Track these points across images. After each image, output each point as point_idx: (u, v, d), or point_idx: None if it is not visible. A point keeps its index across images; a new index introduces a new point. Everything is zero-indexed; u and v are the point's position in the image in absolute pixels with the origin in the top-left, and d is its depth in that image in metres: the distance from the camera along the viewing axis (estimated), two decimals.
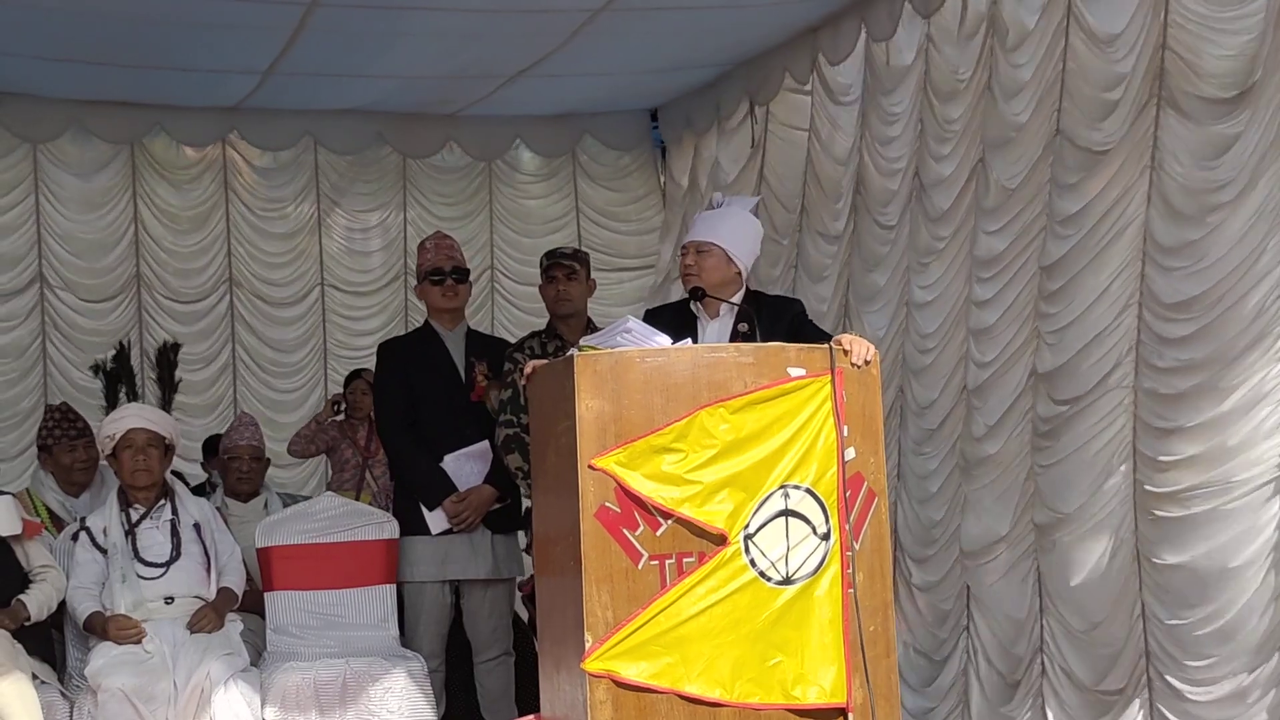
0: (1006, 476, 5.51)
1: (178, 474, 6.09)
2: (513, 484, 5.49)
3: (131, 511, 5.37)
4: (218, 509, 5.74)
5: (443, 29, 6.62)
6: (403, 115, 8.54)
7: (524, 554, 5.87)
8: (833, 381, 4.00)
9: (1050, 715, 5.26)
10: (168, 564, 5.30)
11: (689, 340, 4.31)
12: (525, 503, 5.56)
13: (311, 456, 7.97)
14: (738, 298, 4.63)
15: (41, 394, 8.23)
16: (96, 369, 8.22)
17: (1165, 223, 4.75)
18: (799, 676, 3.94)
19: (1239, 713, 4.46)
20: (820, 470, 3.98)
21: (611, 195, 9.09)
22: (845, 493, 3.98)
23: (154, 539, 5.33)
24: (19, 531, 5.22)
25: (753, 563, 3.93)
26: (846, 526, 3.98)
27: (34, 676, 4.89)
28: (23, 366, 8.29)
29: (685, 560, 3.90)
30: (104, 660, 5.02)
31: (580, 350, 3.96)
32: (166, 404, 8.17)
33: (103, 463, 5.80)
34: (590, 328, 5.39)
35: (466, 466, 5.55)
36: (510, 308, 8.98)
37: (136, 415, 5.52)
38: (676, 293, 4.75)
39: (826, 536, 3.98)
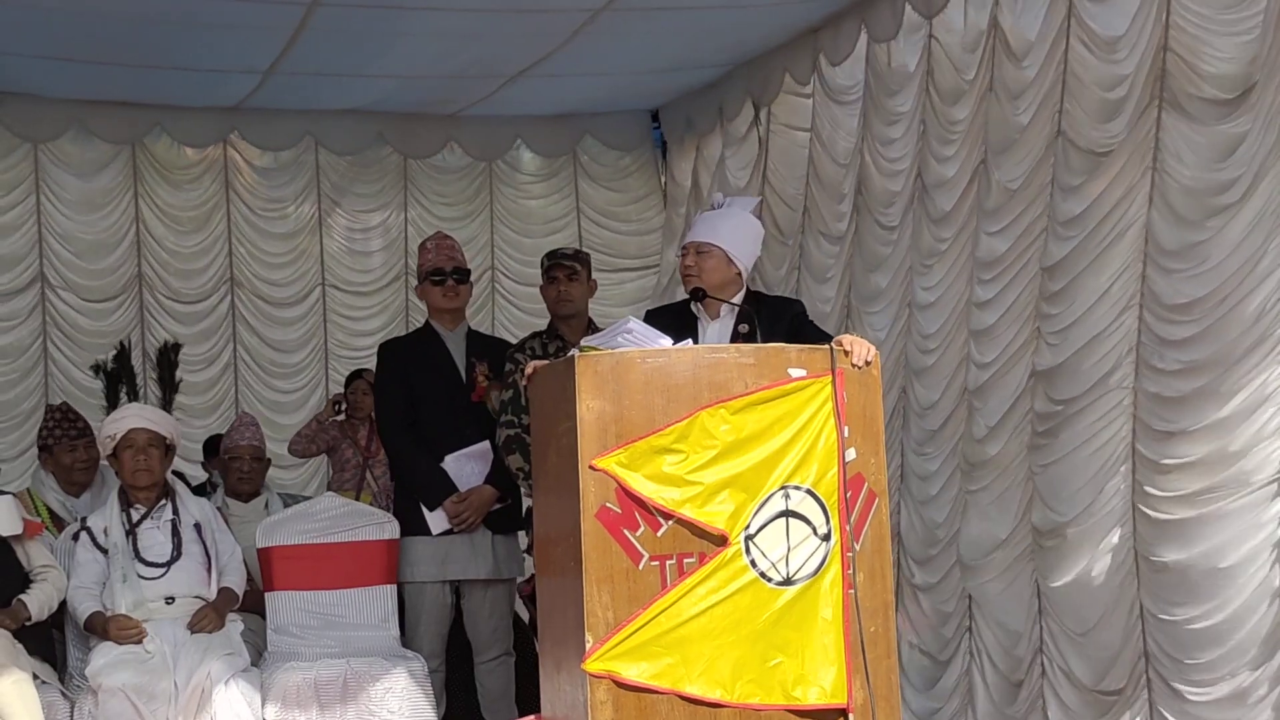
0: (1006, 477, 5.51)
1: (179, 474, 6.10)
2: (513, 484, 5.49)
3: (132, 511, 5.37)
4: (218, 509, 5.74)
5: (443, 29, 6.62)
6: (403, 115, 8.54)
7: (525, 554, 5.88)
8: (833, 382, 4.00)
9: (1051, 716, 5.26)
10: (168, 564, 5.30)
11: (689, 341, 4.31)
12: (526, 503, 5.56)
13: (312, 456, 7.97)
14: (738, 298, 4.63)
15: (42, 394, 8.24)
16: (97, 369, 8.22)
17: (1167, 224, 4.75)
18: (799, 677, 3.94)
19: (1240, 714, 4.46)
20: (821, 471, 3.98)
21: (612, 195, 9.10)
22: (846, 493, 3.98)
23: (155, 539, 5.33)
24: (20, 531, 5.23)
25: (753, 563, 3.93)
26: (847, 527, 3.98)
27: (35, 676, 4.89)
28: (23, 366, 8.30)
29: (686, 561, 3.91)
30: (105, 660, 5.02)
31: (581, 351, 3.96)
32: (167, 404, 8.18)
33: (103, 463, 5.80)
34: (591, 328, 5.39)
35: (467, 467, 5.55)
36: (511, 308, 8.99)
37: (137, 415, 5.52)
38: (681, 293, 4.75)
39: (827, 537, 3.98)
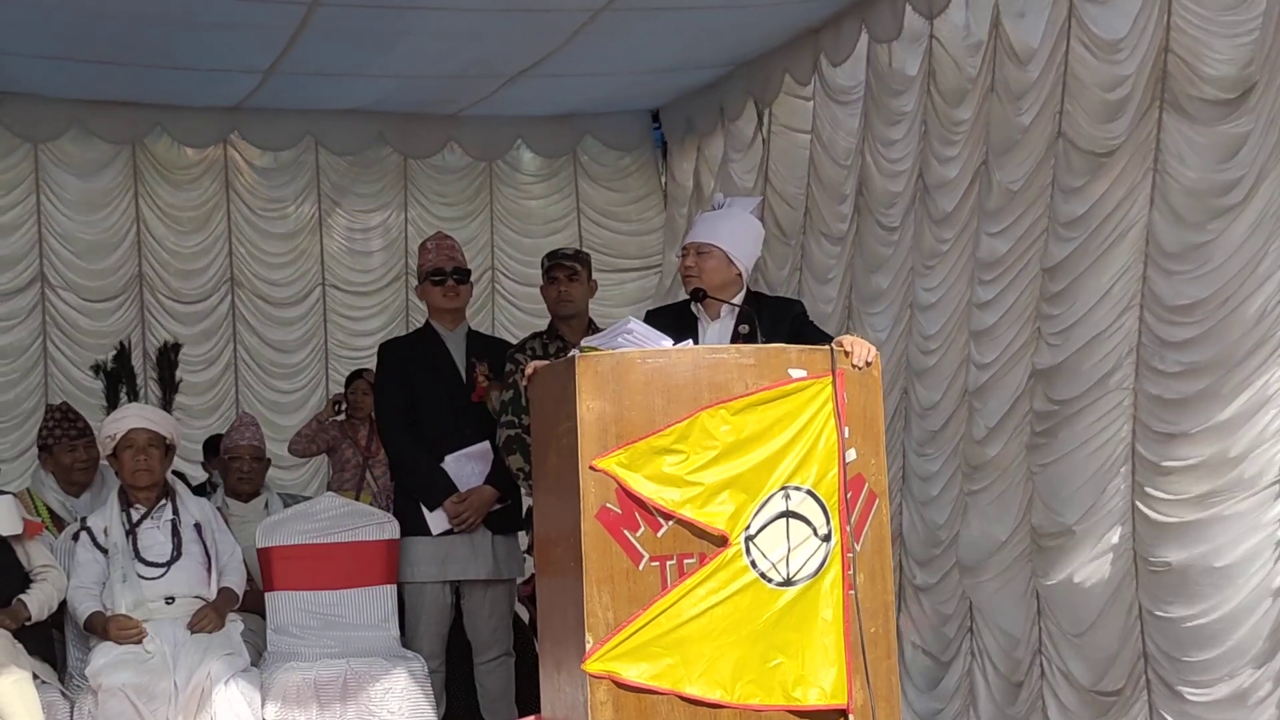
0: (1006, 478, 5.51)
1: (179, 474, 6.10)
2: (513, 484, 5.49)
3: (132, 511, 5.37)
4: (218, 509, 5.74)
5: (444, 29, 6.62)
6: (403, 115, 8.54)
7: (525, 555, 5.88)
8: (834, 383, 4.00)
9: (1051, 717, 5.26)
10: (168, 564, 5.30)
11: (690, 342, 4.31)
12: (526, 503, 5.56)
13: (312, 456, 7.97)
14: (738, 299, 4.63)
15: (42, 394, 8.23)
16: (97, 369, 8.22)
17: (1168, 226, 4.75)
18: (800, 678, 3.94)
19: (1240, 715, 4.46)
20: (821, 472, 3.98)
21: (612, 196, 9.10)
22: (846, 494, 3.98)
23: (155, 539, 5.33)
24: (20, 531, 5.22)
25: (753, 564, 3.93)
26: (847, 528, 3.98)
27: (35, 676, 4.89)
28: (23, 366, 8.30)
29: (686, 561, 3.90)
30: (105, 660, 5.02)
31: (581, 351, 3.96)
32: (167, 404, 8.18)
33: (103, 462, 5.80)
34: (591, 328, 5.39)
35: (467, 467, 5.55)
36: (511, 308, 8.99)
37: (137, 415, 5.52)
38: (683, 293, 4.75)
39: (827, 538, 3.98)
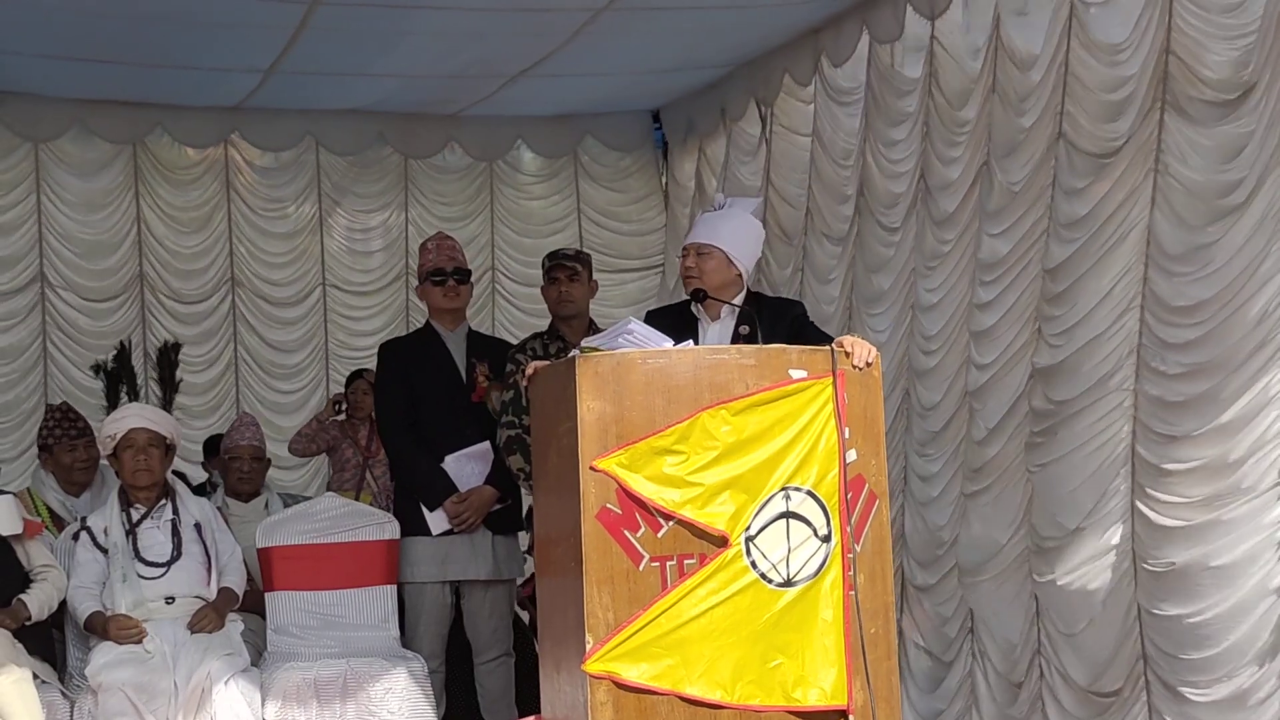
0: (1006, 478, 5.51)
1: (179, 474, 6.09)
2: (513, 485, 5.49)
3: (132, 511, 5.37)
4: (218, 509, 5.74)
5: (444, 28, 6.62)
6: (404, 115, 8.54)
7: (526, 555, 5.87)
8: (834, 384, 4.00)
9: (1050, 718, 5.26)
10: (168, 564, 5.30)
11: (690, 342, 4.31)
12: (527, 503, 5.56)
13: (312, 455, 7.97)
14: (739, 300, 4.63)
15: (42, 394, 8.23)
16: (97, 369, 8.22)
17: (1169, 227, 4.74)
18: (800, 678, 3.94)
19: (1241, 716, 4.45)
20: (821, 472, 3.98)
21: (613, 196, 9.10)
22: (846, 495, 3.98)
23: (155, 539, 5.33)
24: (20, 531, 5.23)
25: (754, 565, 3.93)
26: (848, 529, 3.98)
27: (35, 676, 4.89)
28: (23, 367, 8.29)
29: (686, 562, 3.91)
30: (105, 660, 5.01)
31: (582, 351, 3.96)
32: (167, 404, 8.18)
33: (103, 462, 5.80)
34: (592, 329, 5.39)
35: (467, 467, 5.55)
36: (511, 308, 8.99)
37: (137, 415, 5.52)
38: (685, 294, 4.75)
39: (828, 539, 3.98)
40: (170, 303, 8.55)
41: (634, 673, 3.85)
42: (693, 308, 4.65)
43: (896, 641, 4.22)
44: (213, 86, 7.69)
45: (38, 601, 5.11)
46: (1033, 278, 5.37)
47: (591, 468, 3.87)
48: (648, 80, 7.91)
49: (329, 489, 7.45)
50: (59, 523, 5.77)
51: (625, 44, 7.00)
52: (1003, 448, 5.50)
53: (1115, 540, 4.95)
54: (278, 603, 5.56)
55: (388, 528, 5.62)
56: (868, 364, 4.08)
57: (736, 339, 4.55)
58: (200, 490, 6.52)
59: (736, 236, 4.66)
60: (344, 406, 7.66)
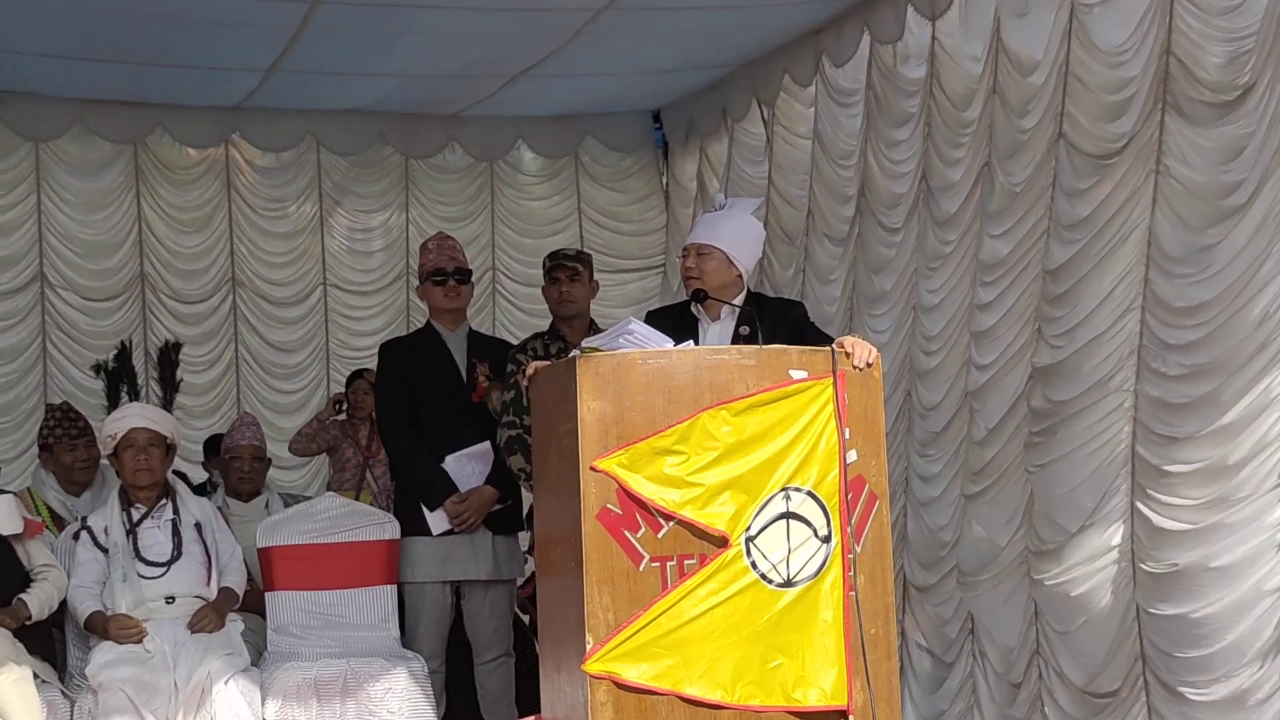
0: (1006, 479, 5.51)
1: (180, 474, 6.09)
2: (514, 485, 5.49)
3: (133, 511, 5.37)
4: (219, 508, 5.74)
5: (445, 28, 6.63)
6: (404, 115, 8.54)
7: (526, 555, 5.87)
8: (835, 384, 4.00)
9: (1050, 718, 5.26)
10: (169, 563, 5.30)
11: (690, 343, 4.31)
12: (527, 503, 5.56)
13: (312, 455, 7.97)
14: (739, 300, 4.63)
15: (41, 394, 8.23)
16: (98, 369, 8.22)
17: (1170, 228, 4.74)
18: (800, 679, 3.94)
19: (1241, 717, 4.45)
20: (822, 473, 3.98)
21: (613, 196, 9.10)
22: (847, 495, 3.98)
23: (155, 538, 5.33)
24: (20, 530, 5.23)
25: (754, 565, 3.93)
26: (848, 529, 3.98)
27: (35, 675, 4.89)
28: (22, 367, 8.29)
29: (686, 562, 3.91)
30: (105, 659, 5.02)
31: (583, 352, 3.96)
32: (168, 404, 8.18)
33: (104, 462, 5.80)
34: (593, 329, 5.39)
35: (468, 467, 5.55)
36: (511, 308, 8.99)
37: (138, 415, 5.52)
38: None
39: (828, 539, 3.98)
40: (171, 302, 8.55)
41: (634, 673, 3.85)
42: (693, 308, 4.65)
43: (897, 642, 4.23)
44: (213, 86, 7.69)
45: (38, 601, 5.11)
46: (1032, 278, 5.37)
47: (592, 468, 3.87)
48: (648, 80, 7.91)
49: (329, 489, 7.45)
50: (59, 522, 5.77)
51: (626, 44, 7.00)
52: (1003, 448, 5.51)
53: (1115, 541, 4.95)
54: (278, 602, 5.56)
55: (388, 528, 5.62)
56: (868, 364, 4.08)
57: (737, 339, 4.55)
58: (201, 490, 6.52)
59: (737, 237, 4.66)
60: (344, 406, 7.67)
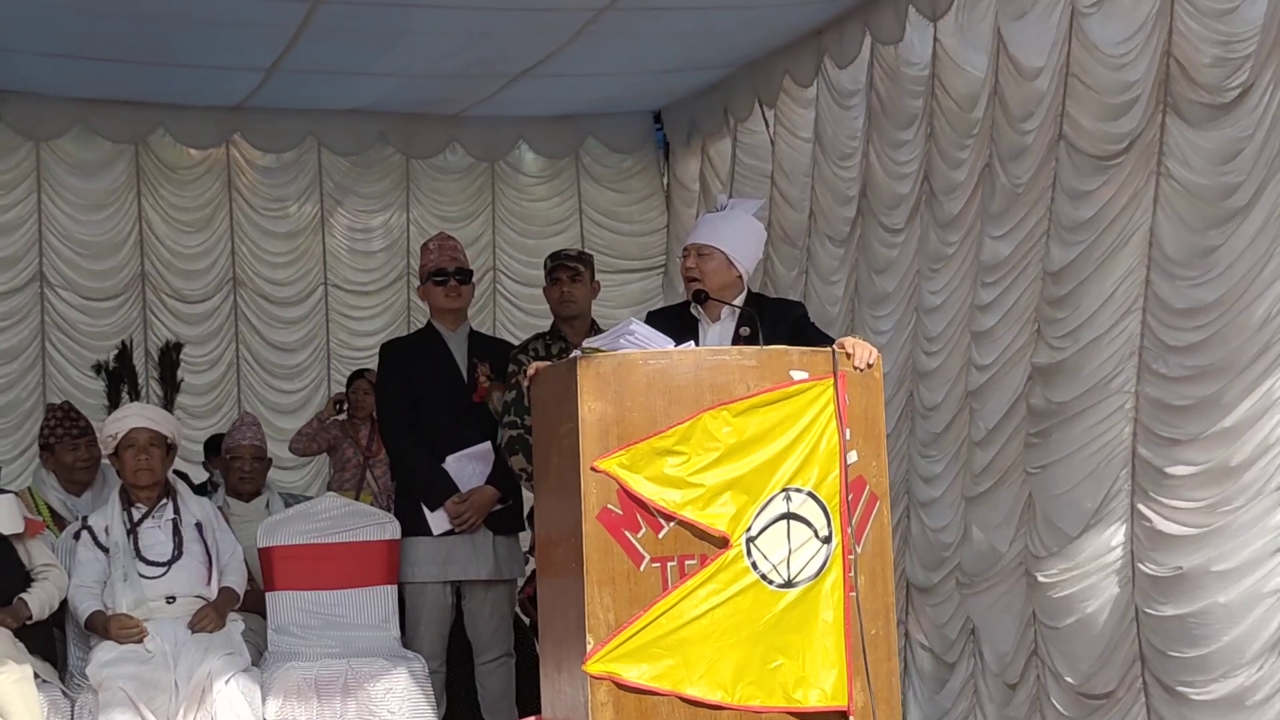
0: (1005, 479, 5.51)
1: (181, 474, 6.09)
2: (514, 485, 5.49)
3: (133, 510, 5.37)
4: (219, 508, 5.74)
5: (447, 27, 6.63)
6: (405, 116, 8.54)
7: (527, 555, 5.87)
8: (835, 385, 4.00)
9: (1048, 718, 5.27)
10: (169, 563, 5.30)
11: (691, 343, 4.31)
12: (529, 503, 5.56)
13: (312, 455, 7.97)
14: (739, 301, 4.63)
15: (40, 394, 8.23)
16: (99, 368, 8.22)
17: (1172, 230, 4.74)
18: (800, 679, 3.94)
19: (1240, 718, 4.45)
20: (822, 474, 3.98)
21: (614, 197, 9.10)
22: (847, 496, 3.98)
23: (156, 538, 5.34)
24: (21, 530, 5.23)
25: (754, 566, 3.93)
26: (848, 530, 3.98)
27: (35, 675, 4.90)
28: (21, 367, 8.28)
29: (687, 563, 3.91)
30: (105, 659, 5.02)
31: (583, 352, 3.96)
32: (169, 404, 8.17)
33: (105, 461, 5.80)
34: (594, 330, 5.39)
35: (468, 467, 5.56)
36: (512, 309, 8.99)
37: (139, 415, 5.52)
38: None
39: (828, 540, 3.98)
40: (172, 302, 8.55)
41: (635, 673, 3.85)
42: (693, 309, 4.65)
43: (897, 642, 4.22)
44: (214, 85, 7.69)
45: (39, 600, 5.11)
46: (1032, 279, 5.37)
47: (593, 468, 3.87)
48: (649, 81, 7.92)
49: (329, 489, 7.45)
50: (60, 522, 5.78)
51: (627, 44, 7.00)
52: (1002, 449, 5.50)
53: (1115, 542, 4.94)
54: (278, 602, 5.56)
55: (388, 528, 5.62)
56: (869, 365, 4.08)
57: (737, 340, 4.55)
58: (201, 490, 6.52)
59: (738, 238, 4.66)
60: (345, 406, 7.67)
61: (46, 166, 8.26)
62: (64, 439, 5.94)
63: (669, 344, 4.09)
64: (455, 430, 5.57)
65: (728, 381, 3.95)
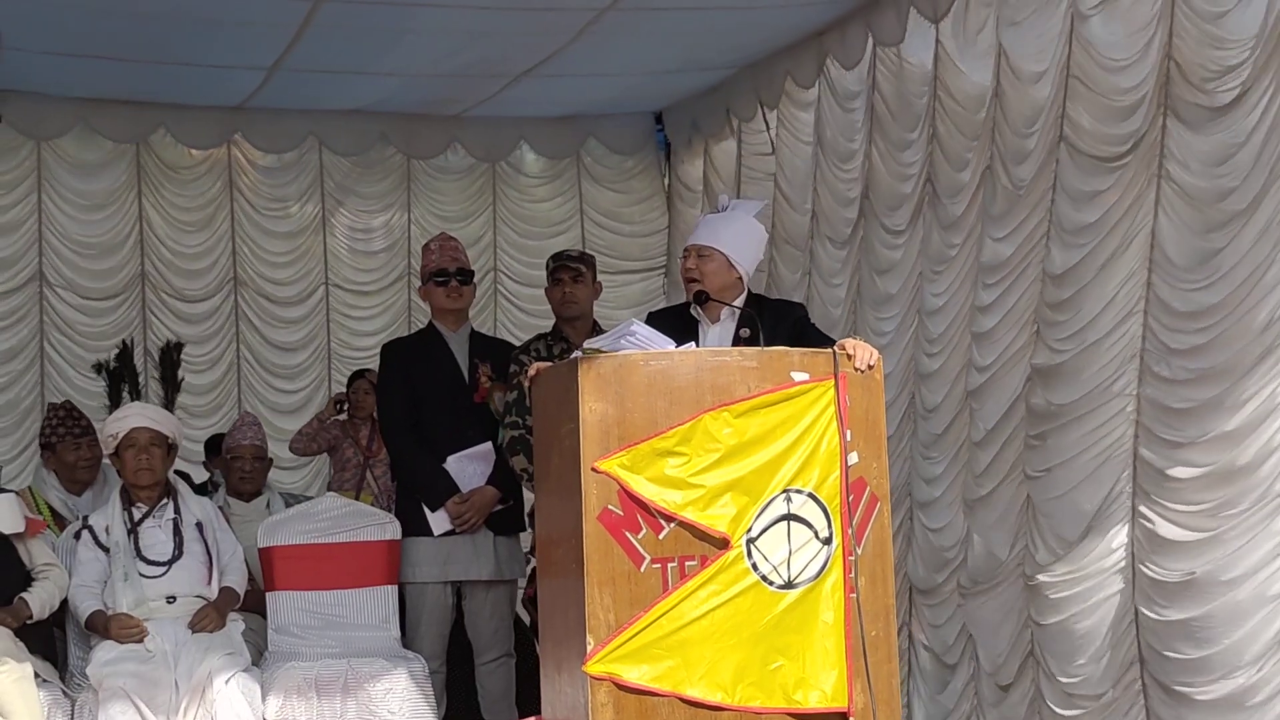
0: (1006, 482, 5.50)
1: (182, 474, 6.09)
2: (515, 485, 5.50)
3: (134, 510, 5.38)
4: (220, 508, 5.74)
5: (448, 26, 6.62)
6: (407, 116, 8.54)
7: (528, 555, 5.87)
8: (836, 386, 4.00)
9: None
10: (170, 563, 5.30)
11: (691, 344, 4.31)
12: (530, 503, 5.56)
13: (313, 455, 7.97)
14: (739, 302, 4.63)
15: (39, 394, 8.23)
16: (100, 368, 8.22)
17: (1174, 233, 4.74)
18: (800, 680, 3.94)
19: (1240, 718, 4.45)
20: (823, 475, 3.98)
21: (615, 197, 9.10)
22: (848, 497, 3.98)
23: (156, 538, 5.34)
24: (21, 529, 5.23)
25: (755, 567, 3.93)
26: (849, 531, 3.99)
27: (36, 674, 4.90)
28: (19, 367, 8.28)
29: (687, 564, 3.91)
30: (106, 658, 5.02)
31: (584, 353, 3.96)
32: (169, 403, 8.17)
33: (105, 461, 5.80)
34: (595, 330, 5.39)
35: (469, 467, 5.56)
36: (513, 309, 8.99)
37: (139, 414, 5.53)
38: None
39: (829, 541, 3.98)
40: (172, 302, 8.55)
41: (635, 674, 3.85)
42: (693, 310, 4.65)
43: (897, 644, 4.22)
44: (216, 84, 7.68)
45: (39, 600, 5.12)
46: (1032, 280, 5.37)
47: (593, 469, 3.87)
48: (650, 81, 7.91)
49: (329, 489, 7.45)
50: (60, 521, 5.78)
51: (628, 45, 7.00)
52: (1001, 451, 5.50)
53: (1116, 544, 4.94)
54: (279, 602, 5.56)
55: (389, 528, 5.62)
56: (869, 366, 4.08)
57: (737, 341, 4.56)
58: (202, 490, 6.52)
59: (738, 239, 4.66)
60: (346, 406, 7.67)
61: (47, 166, 8.26)
62: (66, 438, 5.95)
63: (670, 345, 4.09)
64: (456, 430, 5.57)
65: (728, 382, 3.95)
